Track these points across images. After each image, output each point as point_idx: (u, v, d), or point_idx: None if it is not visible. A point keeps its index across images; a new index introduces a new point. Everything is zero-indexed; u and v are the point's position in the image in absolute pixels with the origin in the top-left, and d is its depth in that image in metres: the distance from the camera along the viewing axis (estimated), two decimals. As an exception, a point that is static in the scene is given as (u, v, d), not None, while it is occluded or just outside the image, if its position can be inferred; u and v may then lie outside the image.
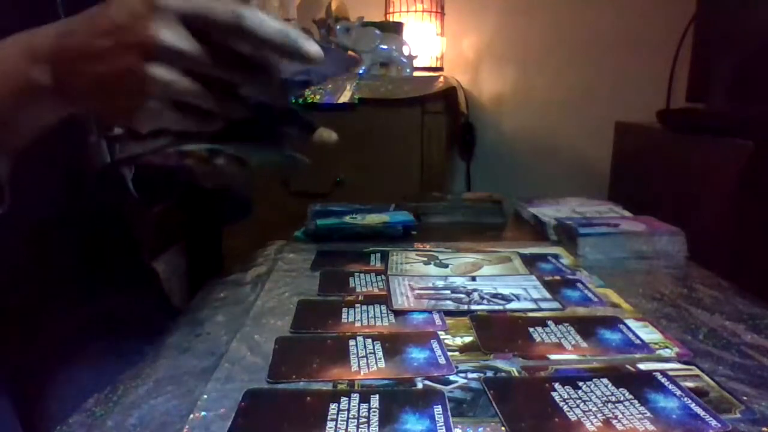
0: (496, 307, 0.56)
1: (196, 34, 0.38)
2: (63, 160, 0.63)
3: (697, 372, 0.44)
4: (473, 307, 0.56)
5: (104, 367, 0.50)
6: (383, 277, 0.64)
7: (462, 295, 0.59)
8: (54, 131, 0.62)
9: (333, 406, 0.38)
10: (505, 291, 0.60)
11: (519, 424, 0.37)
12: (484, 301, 0.57)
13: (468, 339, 0.49)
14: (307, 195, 1.42)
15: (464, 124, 1.90)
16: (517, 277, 0.64)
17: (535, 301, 0.57)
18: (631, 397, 0.39)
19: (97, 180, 0.50)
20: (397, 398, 0.39)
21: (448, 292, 0.60)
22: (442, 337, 0.49)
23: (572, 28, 1.86)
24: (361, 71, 1.44)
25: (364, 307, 0.55)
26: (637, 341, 0.49)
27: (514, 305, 0.56)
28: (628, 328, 0.51)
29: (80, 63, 0.40)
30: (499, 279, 0.64)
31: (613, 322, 0.53)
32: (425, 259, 0.70)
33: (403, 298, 0.58)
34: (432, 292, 0.60)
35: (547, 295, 0.59)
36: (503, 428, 0.36)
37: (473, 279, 0.64)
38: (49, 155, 0.61)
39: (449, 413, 0.38)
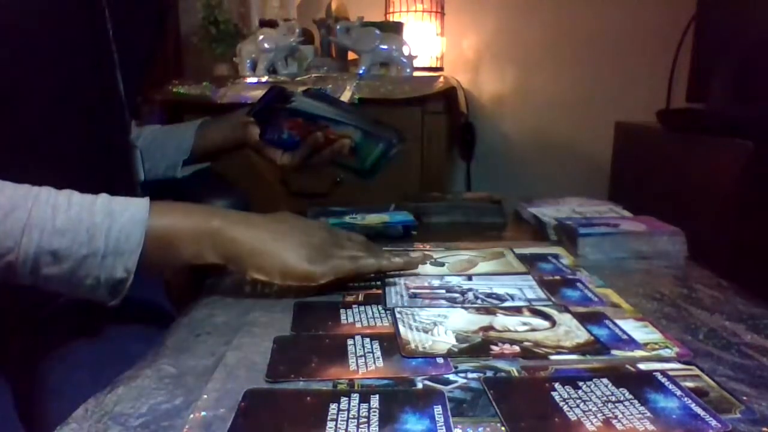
0: (491, 307, 0.56)
1: None
2: (104, 171, 0.64)
3: (697, 372, 0.43)
4: (468, 305, 0.56)
5: (104, 367, 0.50)
6: (382, 276, 0.64)
7: (457, 295, 0.59)
8: (96, 140, 0.63)
9: (333, 406, 0.38)
10: (500, 290, 0.60)
11: (519, 424, 0.37)
12: (479, 301, 0.57)
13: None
14: (307, 195, 1.42)
15: (464, 124, 1.91)
16: (513, 277, 0.64)
17: (530, 301, 0.57)
18: (631, 397, 0.39)
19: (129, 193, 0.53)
20: (397, 398, 0.39)
21: (443, 291, 0.60)
22: (442, 337, 0.49)
23: (572, 28, 1.86)
24: (361, 71, 1.44)
25: (363, 308, 0.55)
26: (624, 336, 0.49)
27: (508, 305, 0.56)
28: (614, 323, 0.52)
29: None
30: (495, 278, 0.64)
31: (599, 318, 0.53)
32: (422, 258, 0.71)
33: (397, 297, 0.58)
34: (428, 291, 0.60)
35: (542, 295, 0.59)
36: (503, 428, 0.36)
37: (469, 278, 0.64)
38: (92, 167, 0.62)
39: (449, 413, 0.38)
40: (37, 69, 0.55)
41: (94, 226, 0.48)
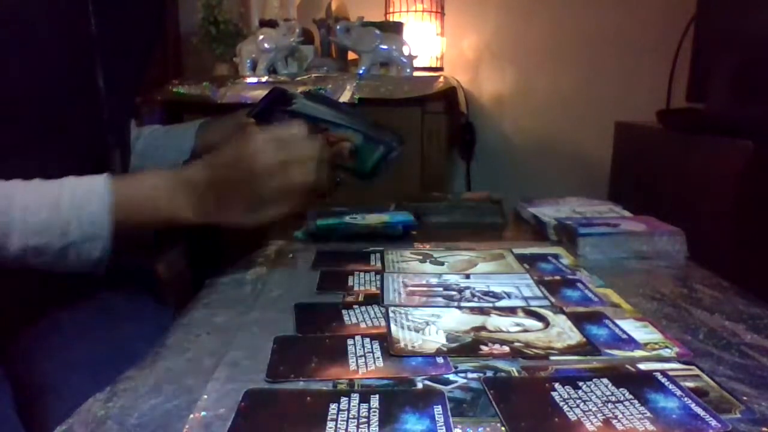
0: (486, 305, 0.56)
1: None
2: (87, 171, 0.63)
3: (697, 372, 0.44)
4: (464, 304, 0.56)
5: (104, 367, 0.50)
6: (382, 275, 0.64)
7: (454, 293, 0.59)
8: (79, 142, 0.63)
9: (333, 406, 0.38)
10: (497, 289, 0.60)
11: (519, 424, 0.37)
12: (475, 299, 0.57)
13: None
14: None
15: (464, 124, 1.90)
16: (512, 276, 0.64)
17: (526, 299, 0.58)
18: (631, 397, 0.39)
19: None
20: (397, 398, 0.39)
21: (441, 289, 0.60)
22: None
23: (572, 28, 1.86)
24: (361, 71, 1.44)
25: (364, 308, 0.55)
26: (624, 336, 0.49)
27: (504, 303, 0.56)
28: (614, 323, 0.52)
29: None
30: (493, 277, 0.64)
31: (598, 318, 0.53)
32: (421, 257, 0.71)
33: (395, 295, 0.58)
34: (425, 289, 0.60)
35: (539, 294, 0.59)
36: (503, 428, 0.36)
37: (467, 277, 0.64)
38: (76, 167, 0.62)
39: (449, 413, 0.38)
40: (13, 63, 0.55)
41: (64, 223, 0.53)
